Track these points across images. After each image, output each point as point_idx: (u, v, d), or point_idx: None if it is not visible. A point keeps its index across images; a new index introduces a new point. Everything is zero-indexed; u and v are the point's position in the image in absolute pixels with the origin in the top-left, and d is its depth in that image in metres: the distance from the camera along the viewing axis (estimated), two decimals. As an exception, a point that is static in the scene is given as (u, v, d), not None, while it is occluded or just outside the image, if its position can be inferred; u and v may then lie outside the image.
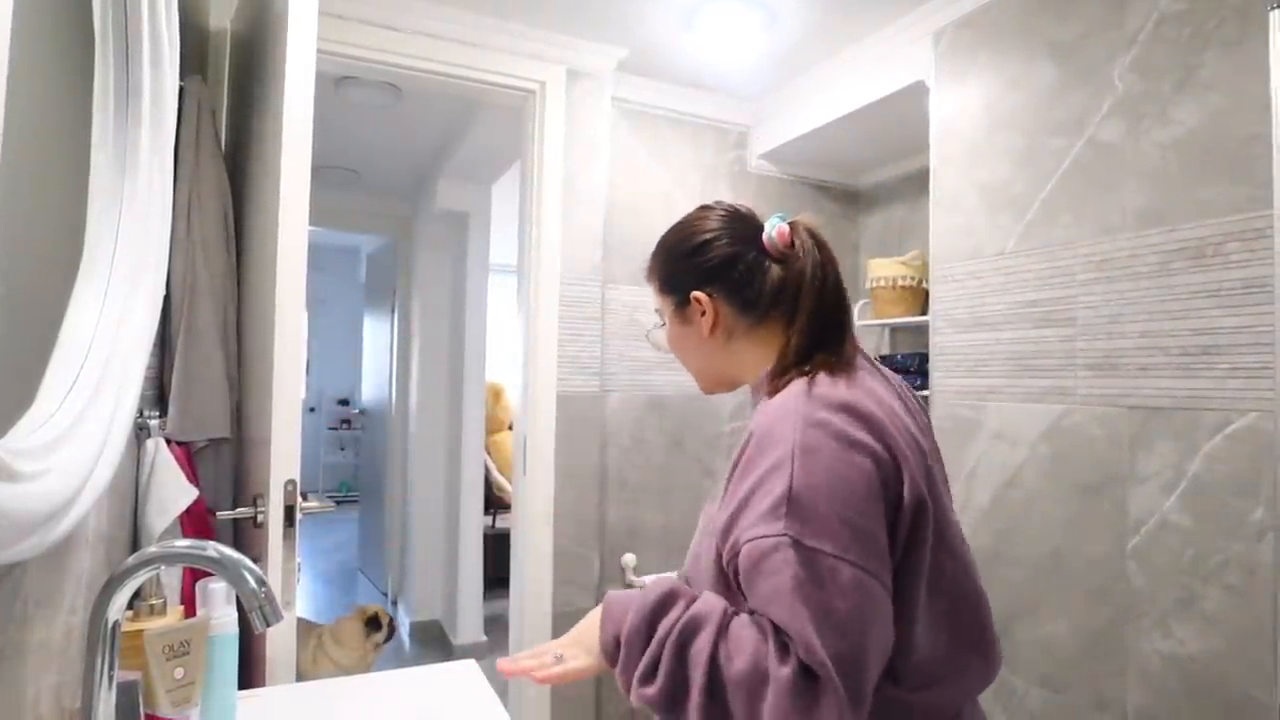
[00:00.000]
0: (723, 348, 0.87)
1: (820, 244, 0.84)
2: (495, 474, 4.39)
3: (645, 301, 2.24)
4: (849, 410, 0.70)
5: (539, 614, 2.01)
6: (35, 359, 0.62)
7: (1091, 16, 1.45)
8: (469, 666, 1.17)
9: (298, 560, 1.28)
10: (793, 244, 0.84)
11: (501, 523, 4.23)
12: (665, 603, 0.71)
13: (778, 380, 0.80)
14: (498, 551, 3.28)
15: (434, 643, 3.51)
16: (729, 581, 0.72)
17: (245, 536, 1.39)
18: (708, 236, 0.86)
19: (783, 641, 0.63)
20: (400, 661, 3.33)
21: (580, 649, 0.76)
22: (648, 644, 0.69)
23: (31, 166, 0.63)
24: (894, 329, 2.42)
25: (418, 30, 1.87)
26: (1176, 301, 1.29)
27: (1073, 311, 1.47)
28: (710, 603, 0.70)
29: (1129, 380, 1.37)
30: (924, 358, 1.87)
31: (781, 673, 0.61)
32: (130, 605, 0.86)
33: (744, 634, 0.65)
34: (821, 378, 0.75)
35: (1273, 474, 1.14)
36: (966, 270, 1.71)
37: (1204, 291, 1.25)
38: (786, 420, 0.70)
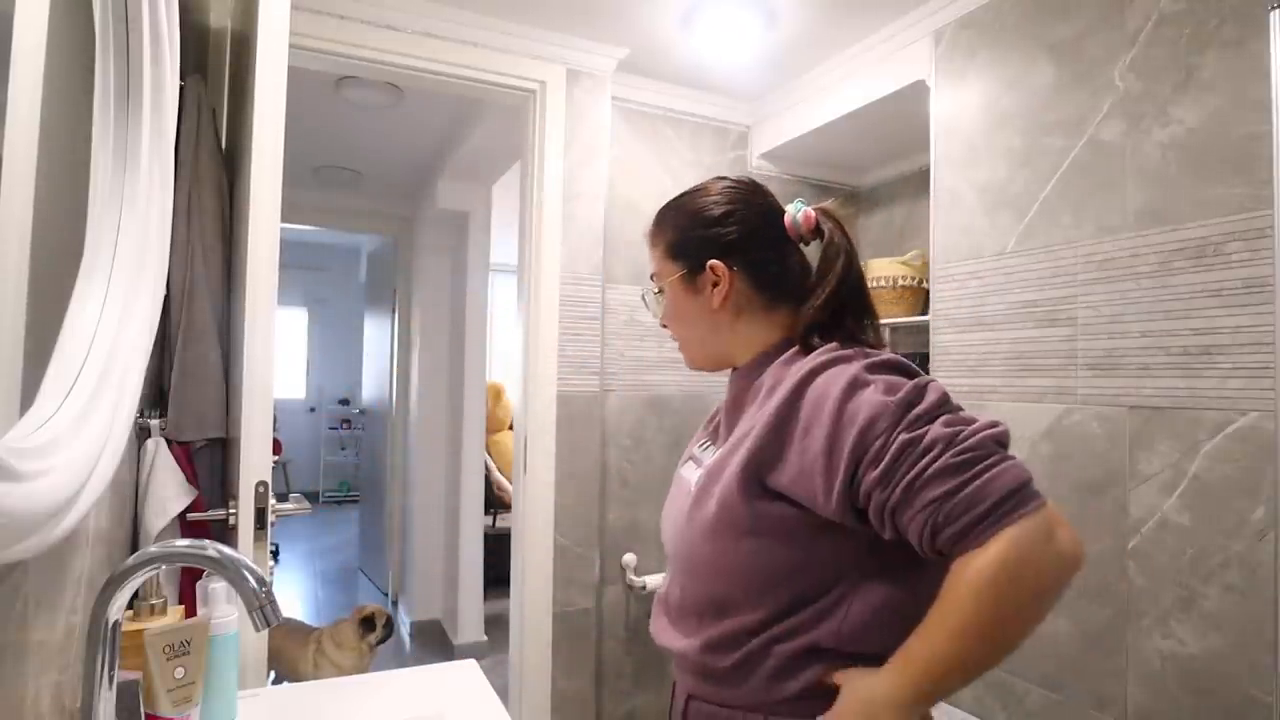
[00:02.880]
0: (729, 323, 0.86)
1: (844, 232, 0.83)
2: (495, 474, 4.39)
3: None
4: (892, 365, 0.75)
5: (539, 614, 2.01)
6: (36, 359, 0.62)
7: (1091, 16, 1.45)
8: (469, 666, 1.17)
9: (270, 564, 1.28)
10: (818, 229, 0.84)
11: (502, 522, 4.23)
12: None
13: (790, 356, 0.80)
14: (498, 551, 3.28)
15: (434, 643, 3.51)
16: (743, 526, 0.73)
17: (230, 538, 1.39)
18: (730, 208, 0.85)
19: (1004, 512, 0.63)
20: (400, 661, 3.33)
21: None
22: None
23: (33, 166, 0.63)
24: (894, 329, 2.42)
25: (418, 30, 1.87)
26: (1177, 301, 1.29)
27: (1073, 311, 1.47)
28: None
29: (1129, 380, 1.36)
30: (924, 358, 1.87)
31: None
32: (130, 605, 0.86)
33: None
34: (851, 349, 0.77)
35: (1273, 474, 1.14)
36: (967, 270, 1.71)
37: (1205, 291, 1.25)
38: (835, 377, 0.72)
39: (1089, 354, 1.43)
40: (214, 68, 1.66)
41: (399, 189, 3.74)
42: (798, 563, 0.74)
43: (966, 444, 0.64)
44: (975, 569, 0.63)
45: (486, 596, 3.45)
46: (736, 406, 0.86)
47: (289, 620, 2.51)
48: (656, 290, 0.91)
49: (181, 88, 1.02)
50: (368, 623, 2.36)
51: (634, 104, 2.26)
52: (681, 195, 0.91)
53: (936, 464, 0.64)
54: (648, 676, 2.23)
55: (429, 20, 1.87)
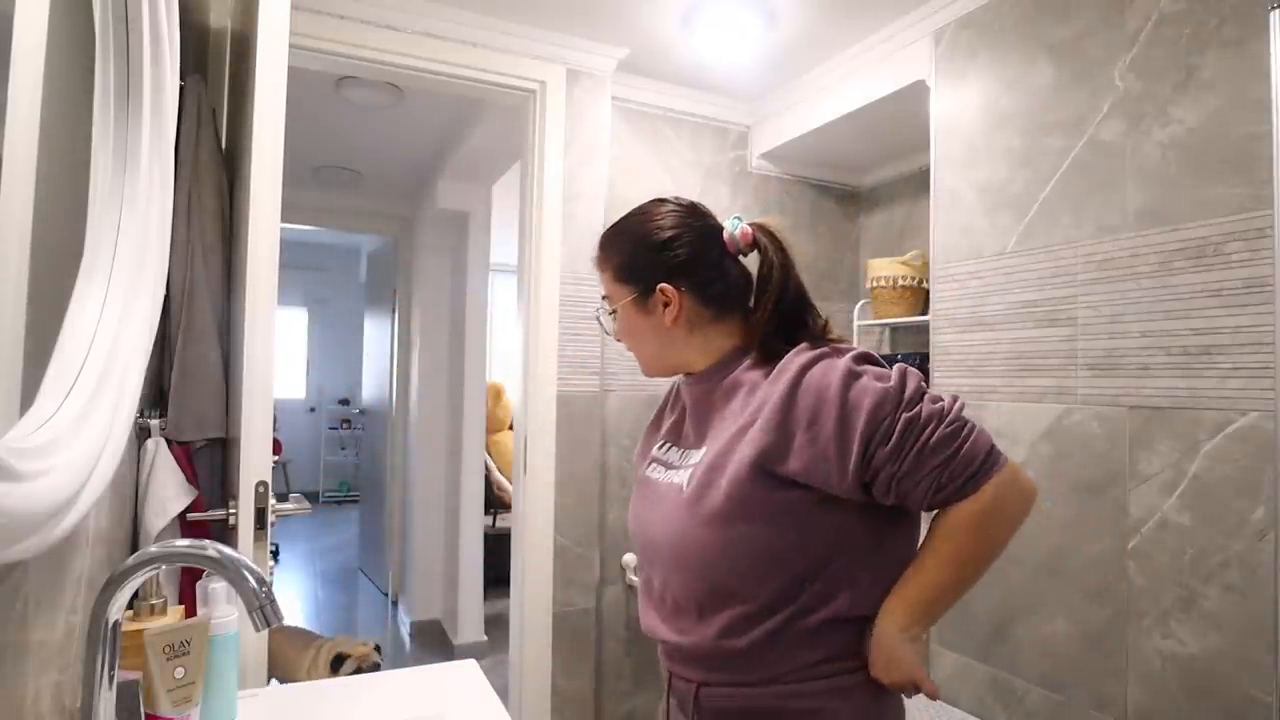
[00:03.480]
0: (683, 337, 0.92)
1: (780, 244, 0.91)
2: (495, 474, 4.39)
3: (645, 301, 2.24)
4: (868, 357, 0.85)
5: (539, 613, 2.01)
6: (36, 359, 0.62)
7: (1091, 17, 1.45)
8: (469, 666, 1.17)
9: (270, 564, 1.27)
10: (754, 243, 0.91)
11: (502, 522, 4.23)
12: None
13: (754, 361, 0.89)
14: (498, 551, 3.28)
15: (434, 643, 3.51)
16: (754, 512, 0.80)
17: (230, 538, 1.39)
18: (675, 232, 0.91)
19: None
20: (400, 661, 3.33)
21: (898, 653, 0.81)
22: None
23: (33, 166, 0.63)
24: (894, 329, 2.42)
25: (418, 30, 1.87)
26: (1177, 301, 1.29)
27: (1073, 311, 1.47)
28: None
29: (1129, 380, 1.36)
30: (924, 357, 1.87)
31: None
32: (130, 605, 0.86)
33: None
34: (823, 346, 0.86)
35: (1273, 474, 1.14)
36: (967, 270, 1.71)
37: (1205, 291, 1.25)
38: (829, 371, 0.81)
39: (1089, 354, 1.43)
40: (214, 68, 1.66)
41: (399, 189, 3.74)
42: (801, 541, 0.81)
43: (950, 416, 0.79)
44: (970, 511, 0.79)
45: (486, 596, 3.45)
46: (704, 408, 0.93)
47: (295, 627, 2.48)
48: (610, 311, 0.97)
49: (181, 88, 1.02)
50: (337, 663, 2.06)
51: (634, 104, 2.26)
52: (625, 219, 0.96)
53: (935, 435, 0.77)
54: (648, 676, 2.23)
55: (429, 20, 1.87)
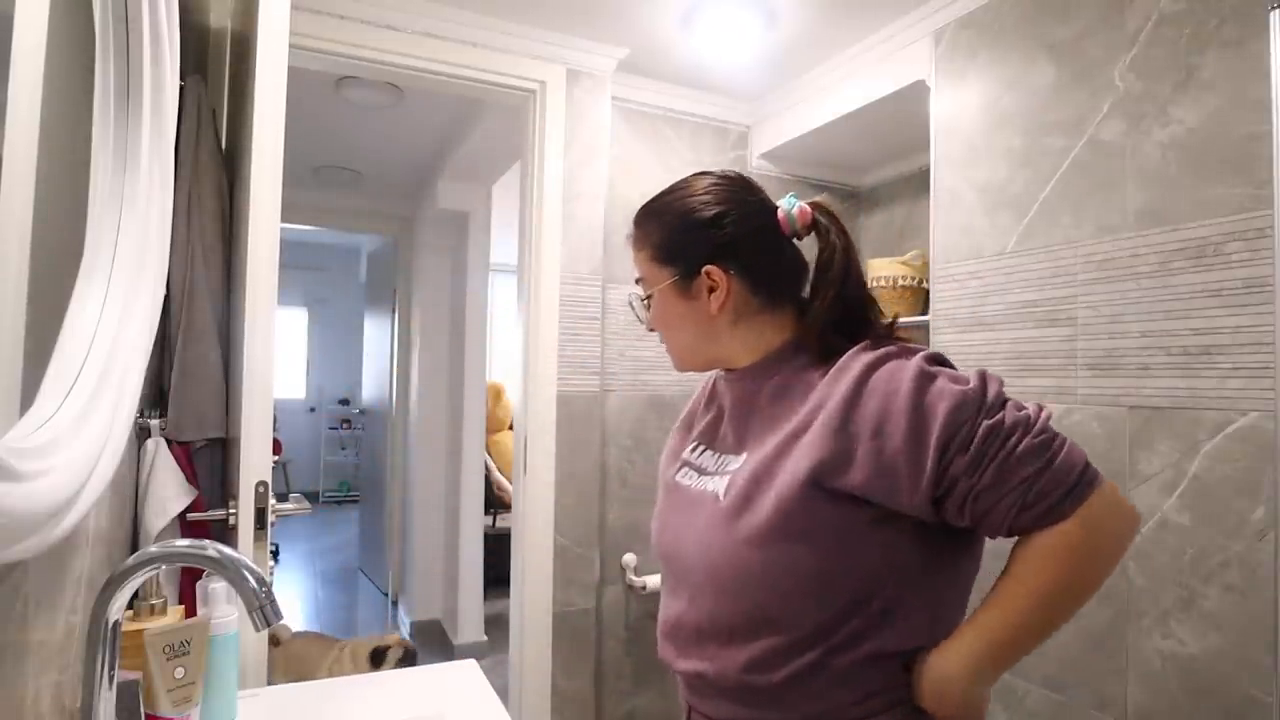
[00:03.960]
0: (727, 327, 0.82)
1: (841, 227, 0.81)
2: (495, 474, 4.39)
3: (645, 301, 2.24)
4: (940, 358, 0.75)
5: (539, 614, 2.01)
6: (36, 359, 0.62)
7: (1091, 17, 1.45)
8: (469, 666, 1.17)
9: (270, 564, 1.27)
10: (813, 224, 0.81)
11: (502, 522, 4.23)
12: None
13: (810, 359, 0.79)
14: (498, 551, 3.28)
15: (434, 643, 3.51)
16: (804, 531, 0.71)
17: (230, 538, 1.39)
18: (724, 208, 0.81)
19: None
20: (400, 661, 3.32)
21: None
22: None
23: (33, 166, 0.63)
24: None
25: (418, 30, 1.87)
26: (1177, 301, 1.29)
27: (1073, 311, 1.47)
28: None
29: (1129, 380, 1.36)
30: (924, 358, 1.87)
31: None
32: (130, 605, 0.86)
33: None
34: (890, 345, 0.76)
35: (1273, 474, 1.14)
36: (967, 270, 1.71)
37: (1205, 291, 1.25)
38: (898, 371, 0.72)
39: (1089, 354, 1.43)
40: (214, 68, 1.66)
41: (399, 189, 3.74)
42: (851, 563, 0.72)
43: (1038, 425, 0.69)
44: (1061, 538, 0.67)
45: (486, 596, 3.45)
46: (747, 409, 0.83)
47: (312, 632, 2.48)
48: (645, 297, 0.86)
49: (181, 88, 1.02)
50: (377, 656, 2.18)
51: (634, 104, 2.26)
52: (666, 194, 0.85)
53: (1021, 446, 0.67)
54: (648, 677, 2.23)
55: (429, 20, 1.87)
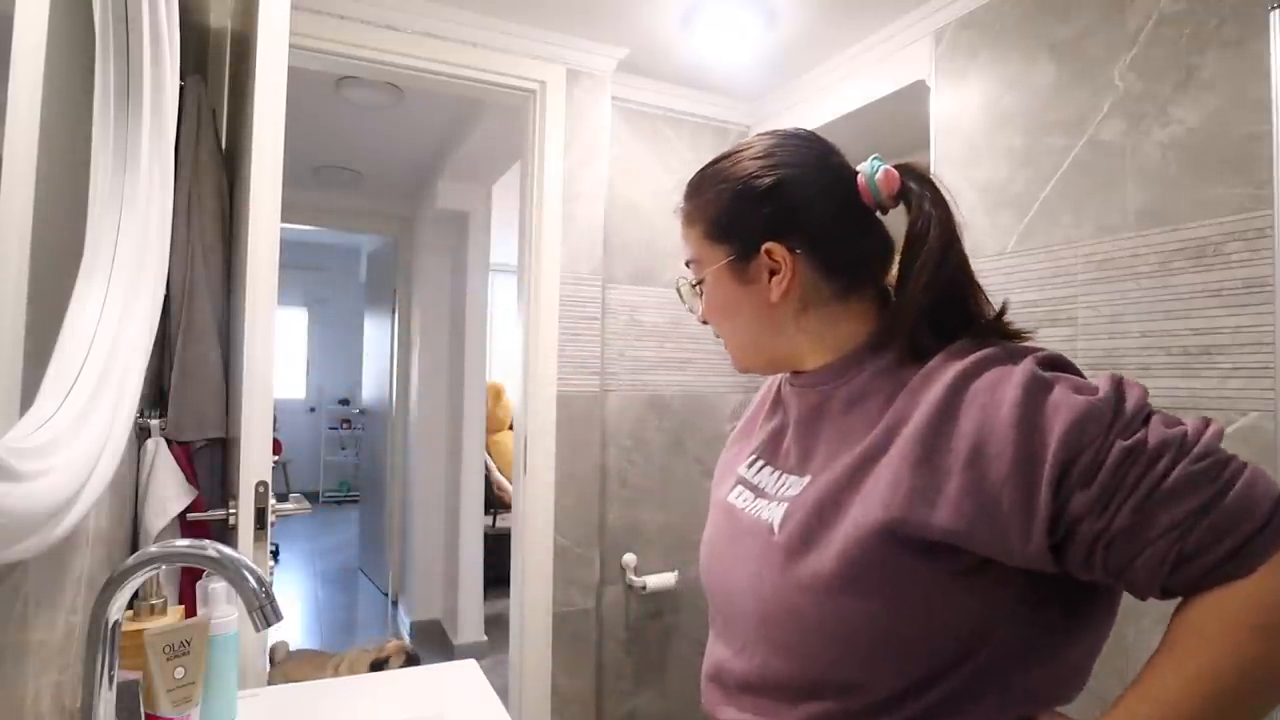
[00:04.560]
0: (793, 319, 0.68)
1: (939, 196, 0.66)
2: (495, 474, 4.39)
3: (645, 301, 2.24)
4: (1061, 362, 0.59)
5: (539, 614, 2.01)
6: (36, 359, 0.62)
7: (1092, 16, 1.45)
8: (469, 666, 1.17)
9: (270, 564, 1.28)
10: (902, 193, 0.67)
11: (501, 523, 4.23)
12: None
13: (894, 362, 0.64)
14: (498, 551, 3.28)
15: (434, 643, 3.51)
16: (878, 584, 0.57)
17: (230, 538, 1.40)
18: (788, 173, 0.67)
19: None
20: (400, 661, 3.32)
21: None
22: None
23: (33, 166, 0.63)
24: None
25: (418, 30, 1.87)
26: (1177, 301, 1.29)
27: (1073, 311, 1.47)
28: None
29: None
30: (924, 357, 1.87)
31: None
32: (130, 605, 0.86)
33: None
34: (995, 345, 0.60)
35: (1273, 474, 1.14)
36: (967, 270, 1.70)
37: (1205, 291, 1.25)
38: (1003, 379, 0.56)
39: (1089, 354, 1.43)
40: (214, 68, 1.66)
41: (399, 189, 3.74)
42: (932, 624, 0.57)
43: (1201, 446, 0.51)
44: (1245, 600, 0.49)
45: (486, 596, 3.46)
46: (814, 420, 0.69)
47: (307, 651, 2.47)
48: (695, 281, 0.73)
49: (181, 88, 1.02)
50: (378, 666, 2.13)
51: (634, 104, 2.26)
52: (723, 157, 0.72)
53: (1172, 476, 0.50)
54: (648, 677, 2.23)
55: (429, 20, 1.87)
